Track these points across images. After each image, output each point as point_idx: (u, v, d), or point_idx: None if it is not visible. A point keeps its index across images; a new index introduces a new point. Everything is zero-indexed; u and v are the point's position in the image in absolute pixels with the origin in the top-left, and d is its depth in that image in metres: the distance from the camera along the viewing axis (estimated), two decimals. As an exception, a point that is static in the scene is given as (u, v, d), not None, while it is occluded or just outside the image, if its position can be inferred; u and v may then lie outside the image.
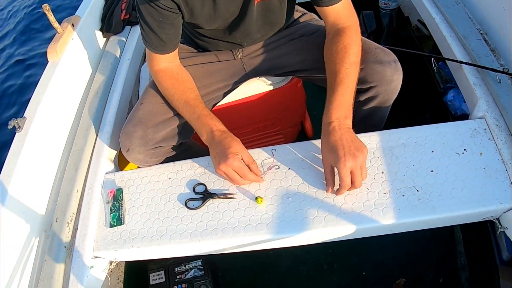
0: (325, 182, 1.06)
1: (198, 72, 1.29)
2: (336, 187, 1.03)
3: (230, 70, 1.34)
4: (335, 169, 1.00)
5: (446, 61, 1.43)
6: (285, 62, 1.32)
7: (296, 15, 1.37)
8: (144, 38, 1.15)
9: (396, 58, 1.15)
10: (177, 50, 1.20)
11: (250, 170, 1.08)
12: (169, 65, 1.21)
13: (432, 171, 1.05)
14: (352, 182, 0.99)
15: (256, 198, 1.08)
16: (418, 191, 1.02)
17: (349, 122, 1.03)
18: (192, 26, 1.24)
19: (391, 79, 1.13)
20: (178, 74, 1.21)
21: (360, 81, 1.14)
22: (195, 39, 1.34)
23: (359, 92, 1.20)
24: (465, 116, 1.36)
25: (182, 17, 1.13)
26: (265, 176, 1.12)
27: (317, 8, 1.13)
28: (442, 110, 1.57)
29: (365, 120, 1.26)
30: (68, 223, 1.22)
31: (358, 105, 1.23)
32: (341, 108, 1.02)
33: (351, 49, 1.07)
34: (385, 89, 1.15)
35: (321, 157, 1.04)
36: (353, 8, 1.14)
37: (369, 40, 1.20)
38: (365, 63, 1.13)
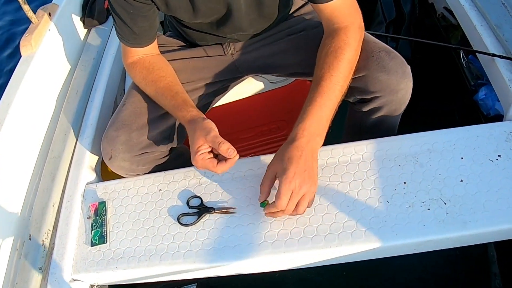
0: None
1: (185, 67, 1.31)
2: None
3: (219, 67, 1.35)
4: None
5: (477, 54, 1.43)
6: (281, 62, 1.31)
7: (297, 4, 1.35)
8: (117, 31, 1.18)
9: (404, 61, 1.12)
10: (154, 42, 1.22)
11: (220, 153, 1.03)
12: (142, 56, 1.23)
13: (461, 180, 1.04)
14: (287, 206, 0.97)
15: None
16: (445, 204, 1.01)
17: (319, 141, 1.02)
18: (174, 19, 1.24)
19: (397, 88, 1.11)
20: (150, 63, 1.22)
21: (362, 90, 1.14)
22: (182, 32, 1.35)
23: (361, 102, 1.19)
24: (499, 117, 1.35)
25: (159, 9, 1.15)
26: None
27: (311, 4, 1.09)
28: (472, 110, 1.56)
29: (372, 129, 1.25)
30: (43, 240, 1.21)
31: (362, 115, 1.22)
32: (314, 123, 1.01)
33: (343, 54, 1.04)
34: (391, 99, 1.13)
35: (334, 167, 1.03)
36: (356, 5, 1.09)
37: (373, 40, 1.17)
38: (366, 70, 1.11)
